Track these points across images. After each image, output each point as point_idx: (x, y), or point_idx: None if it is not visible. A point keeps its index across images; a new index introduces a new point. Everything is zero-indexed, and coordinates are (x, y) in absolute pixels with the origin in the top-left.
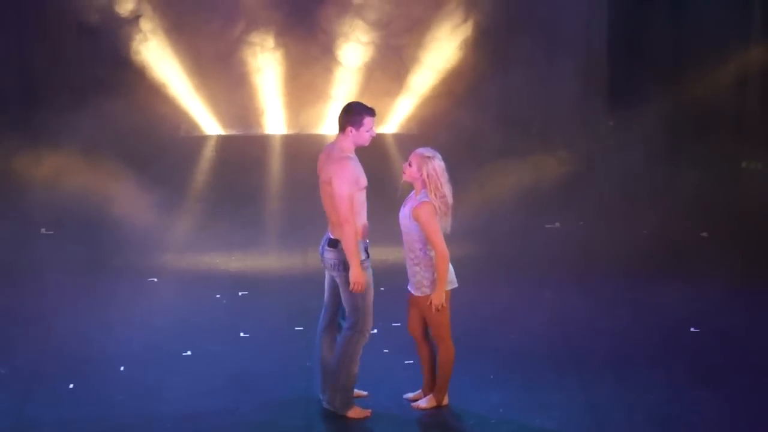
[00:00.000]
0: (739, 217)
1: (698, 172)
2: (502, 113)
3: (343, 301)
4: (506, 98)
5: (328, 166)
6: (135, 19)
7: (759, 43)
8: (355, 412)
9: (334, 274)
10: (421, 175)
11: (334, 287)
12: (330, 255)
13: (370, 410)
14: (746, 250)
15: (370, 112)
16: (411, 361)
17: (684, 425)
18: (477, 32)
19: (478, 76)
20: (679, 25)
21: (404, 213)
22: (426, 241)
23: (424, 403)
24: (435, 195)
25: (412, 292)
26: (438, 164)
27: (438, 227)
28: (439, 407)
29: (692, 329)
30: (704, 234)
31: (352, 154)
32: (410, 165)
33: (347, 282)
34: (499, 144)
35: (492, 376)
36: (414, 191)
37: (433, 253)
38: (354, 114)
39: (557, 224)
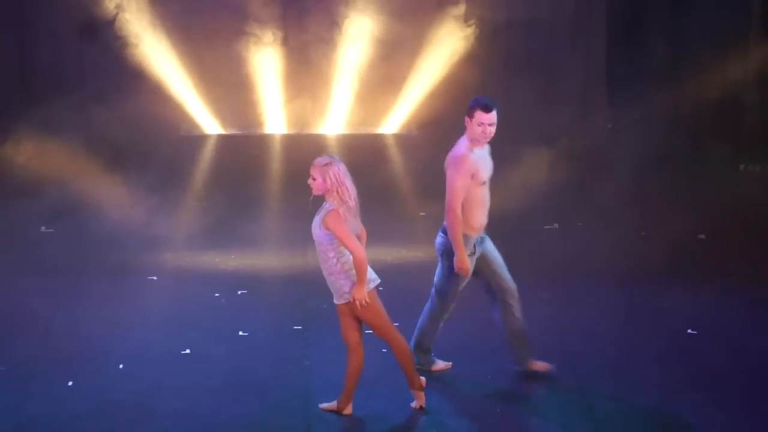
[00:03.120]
0: (736, 220)
1: (696, 173)
2: (502, 114)
3: (435, 282)
4: (506, 99)
5: (449, 155)
6: (131, 17)
7: (758, 44)
8: None
9: (439, 259)
10: (326, 184)
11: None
12: (438, 240)
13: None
14: (744, 252)
15: (484, 107)
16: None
17: (683, 427)
18: (477, 33)
19: (478, 77)
20: (678, 27)
21: (315, 223)
22: (337, 250)
23: (416, 403)
24: (339, 201)
25: (335, 301)
26: (337, 169)
27: (349, 232)
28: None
29: (690, 331)
30: (702, 236)
31: (471, 150)
32: (314, 179)
33: (447, 268)
34: (497, 145)
35: (489, 376)
36: (326, 201)
37: (345, 259)
38: (469, 106)
39: (556, 225)
